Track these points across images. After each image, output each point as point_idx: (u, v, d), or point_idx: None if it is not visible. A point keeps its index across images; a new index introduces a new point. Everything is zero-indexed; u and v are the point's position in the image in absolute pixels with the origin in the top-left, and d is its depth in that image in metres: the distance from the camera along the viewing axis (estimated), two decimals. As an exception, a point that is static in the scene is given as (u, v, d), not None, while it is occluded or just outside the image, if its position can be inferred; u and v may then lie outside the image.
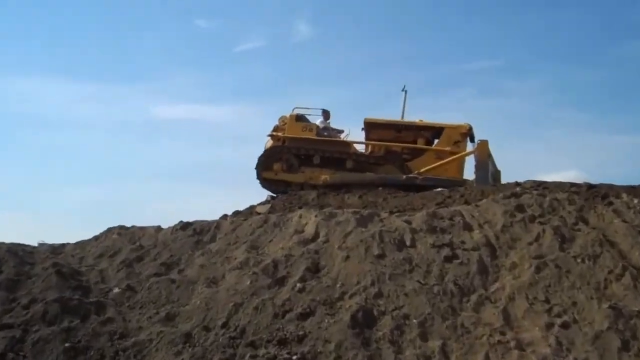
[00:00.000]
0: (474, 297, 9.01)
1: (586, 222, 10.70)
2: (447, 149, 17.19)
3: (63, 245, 12.94)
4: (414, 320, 8.46)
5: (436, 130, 17.96)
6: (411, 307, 8.75)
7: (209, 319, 8.89)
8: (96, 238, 12.92)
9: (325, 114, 18.42)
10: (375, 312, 8.65)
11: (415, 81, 74.56)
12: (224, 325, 8.69)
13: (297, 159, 17.46)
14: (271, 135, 17.96)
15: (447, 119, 17.93)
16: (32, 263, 11.38)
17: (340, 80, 74.73)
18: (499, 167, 17.12)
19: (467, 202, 12.30)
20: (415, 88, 73.89)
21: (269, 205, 14.77)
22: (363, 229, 10.74)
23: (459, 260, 9.82)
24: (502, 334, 8.17)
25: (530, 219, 10.76)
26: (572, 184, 12.83)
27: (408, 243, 10.34)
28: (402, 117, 18.43)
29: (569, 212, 10.96)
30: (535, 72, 72.91)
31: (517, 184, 13.36)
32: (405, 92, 18.55)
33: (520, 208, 11.14)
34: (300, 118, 18.08)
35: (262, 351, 7.97)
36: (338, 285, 9.34)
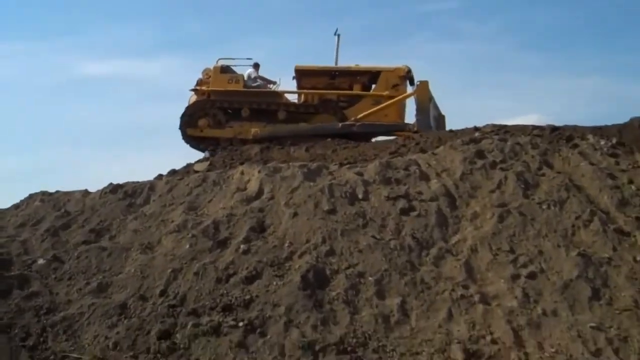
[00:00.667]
0: (433, 251, 9.01)
1: (551, 167, 10.80)
2: (385, 93, 17.12)
3: (-22, 214, 12.58)
4: (370, 278, 8.43)
5: (373, 75, 17.97)
6: (366, 264, 8.70)
7: (145, 288, 8.73)
8: (16, 206, 12.57)
9: (255, 66, 18.26)
10: (328, 272, 8.59)
11: (364, 27, 74.63)
12: (162, 293, 8.54)
13: (224, 113, 17.39)
14: (195, 90, 17.82)
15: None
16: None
17: (278, 29, 74.24)
18: (443, 112, 17.44)
19: (422, 150, 12.27)
20: (365, 34, 74.02)
21: (208, 162, 14.58)
22: (311, 184, 10.66)
23: (416, 212, 9.81)
24: (465, 287, 8.20)
25: (492, 166, 10.81)
26: (535, 127, 12.88)
27: (360, 196, 10.29)
28: (336, 63, 18.36)
29: (532, 157, 11.03)
30: (493, 13, 73.49)
31: (476, 128, 13.36)
32: (338, 35, 18.46)
33: (480, 154, 11.17)
34: (225, 69, 17.98)
35: (205, 319, 7.83)
36: (286, 245, 9.25)
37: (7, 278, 9.28)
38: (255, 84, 17.95)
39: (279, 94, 17.95)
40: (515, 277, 8.32)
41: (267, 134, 16.42)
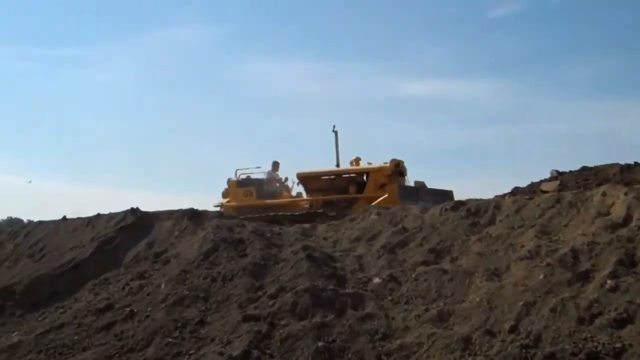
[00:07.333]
0: None
1: None
2: (374, 195, 18.55)
3: (314, 226, 12.59)
4: None
5: (365, 174, 20.20)
6: None
7: (492, 321, 7.81)
8: (351, 219, 12.41)
9: (275, 165, 21.66)
10: None
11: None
12: (513, 329, 7.55)
13: None
14: (220, 205, 20.71)
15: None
16: (279, 246, 11.13)
17: (610, 49, 70.60)
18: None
19: None
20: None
21: (557, 182, 13.50)
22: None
23: None
24: None
25: None
26: None
27: None
28: (337, 159, 21.14)
29: None
30: None
31: None
32: (336, 132, 21.03)
33: None
34: (241, 183, 21.20)
35: (566, 367, 6.78)
36: (666, 285, 7.82)
37: (342, 296, 8.97)
38: (271, 189, 21.23)
39: (285, 205, 20.37)
40: None
41: None
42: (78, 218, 15.03)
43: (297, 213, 18.96)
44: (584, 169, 14.32)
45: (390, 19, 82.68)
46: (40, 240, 14.46)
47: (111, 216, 13.88)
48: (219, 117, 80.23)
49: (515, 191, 13.57)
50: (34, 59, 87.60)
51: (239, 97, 79.82)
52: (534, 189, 13.49)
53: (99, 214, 14.40)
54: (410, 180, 20.38)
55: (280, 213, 18.71)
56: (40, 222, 16.02)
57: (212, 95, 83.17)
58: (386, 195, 17.87)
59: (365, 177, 20.18)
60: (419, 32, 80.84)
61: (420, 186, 19.76)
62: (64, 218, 15.50)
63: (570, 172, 14.64)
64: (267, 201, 20.45)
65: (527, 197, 11.54)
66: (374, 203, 17.09)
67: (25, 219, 32.71)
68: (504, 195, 12.95)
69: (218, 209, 20.14)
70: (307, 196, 21.28)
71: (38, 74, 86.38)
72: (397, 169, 19.49)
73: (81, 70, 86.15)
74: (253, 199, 20.51)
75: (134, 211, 13.47)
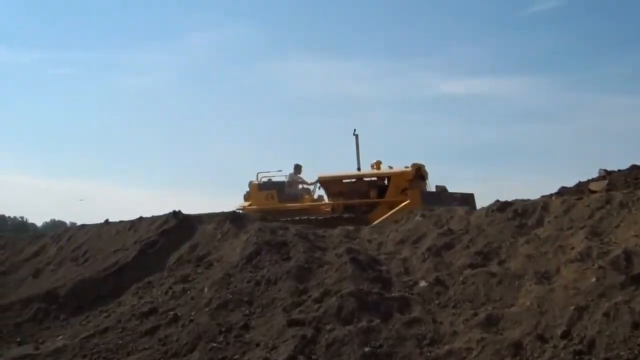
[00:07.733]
0: None
1: None
2: (395, 200, 18.61)
3: (358, 229, 12.46)
4: None
5: (386, 178, 20.27)
6: None
7: (543, 326, 7.57)
8: (396, 221, 12.25)
9: (297, 168, 21.63)
10: None
11: None
12: (565, 335, 7.29)
13: None
14: (242, 208, 20.44)
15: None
16: (323, 248, 11.03)
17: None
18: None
19: None
20: None
21: (606, 181, 13.18)
22: None
23: None
24: None
25: None
26: None
27: None
28: (358, 162, 21.16)
29: None
30: None
31: None
32: (356, 136, 21.13)
33: None
34: (263, 186, 21.23)
35: (622, 373, 6.57)
36: None
37: (388, 300, 8.81)
38: (293, 192, 21.19)
39: (307, 208, 20.22)
40: None
41: None
42: (120, 221, 15.13)
43: (321, 217, 18.73)
44: (634, 167, 13.95)
45: (425, 19, 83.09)
46: (83, 243, 14.57)
47: (153, 219, 13.94)
48: (255, 118, 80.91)
49: (562, 191, 13.25)
50: (71, 63, 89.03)
51: (276, 98, 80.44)
52: (581, 189, 13.17)
53: (141, 217, 14.48)
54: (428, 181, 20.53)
55: (306, 217, 18.41)
56: (83, 226, 16.14)
57: (250, 96, 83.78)
58: (408, 201, 17.64)
59: (386, 182, 20.21)
60: (454, 32, 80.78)
61: (441, 190, 19.73)
62: (107, 221, 15.60)
63: (619, 170, 14.30)
64: (289, 205, 20.53)
65: (575, 197, 11.27)
66: (396, 208, 17.15)
67: (68, 221, 33.22)
68: (551, 195, 12.68)
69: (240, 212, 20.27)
70: (328, 200, 21.33)
71: (77, 78, 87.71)
72: (419, 174, 19.53)
73: (120, 74, 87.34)
74: (274, 202, 20.59)
75: (176, 214, 13.50)
